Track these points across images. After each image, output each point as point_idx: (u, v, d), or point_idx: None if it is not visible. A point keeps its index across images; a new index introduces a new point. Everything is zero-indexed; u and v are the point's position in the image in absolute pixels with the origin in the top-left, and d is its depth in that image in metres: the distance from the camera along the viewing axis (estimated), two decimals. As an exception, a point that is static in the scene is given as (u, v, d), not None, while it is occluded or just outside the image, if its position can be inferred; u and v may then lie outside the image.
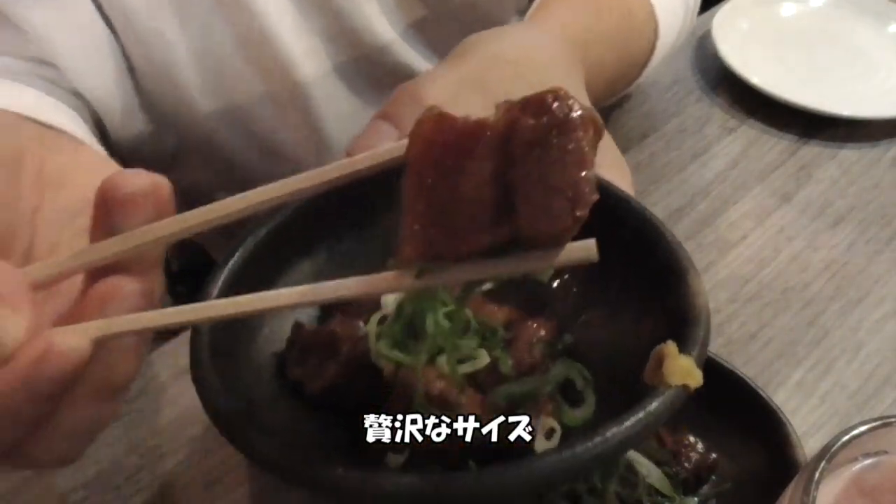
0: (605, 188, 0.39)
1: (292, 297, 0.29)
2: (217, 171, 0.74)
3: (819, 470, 0.36)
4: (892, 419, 0.38)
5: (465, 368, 0.34)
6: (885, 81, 0.87)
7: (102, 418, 0.30)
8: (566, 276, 0.40)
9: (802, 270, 0.69)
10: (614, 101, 0.82)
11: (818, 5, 0.96)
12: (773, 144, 0.81)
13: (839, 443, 0.37)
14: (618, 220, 0.39)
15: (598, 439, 0.29)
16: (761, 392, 0.53)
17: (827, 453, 0.37)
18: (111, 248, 0.29)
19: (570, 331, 0.39)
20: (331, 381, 0.37)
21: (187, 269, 1.05)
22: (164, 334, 0.97)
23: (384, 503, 0.29)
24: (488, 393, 0.35)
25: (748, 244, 0.71)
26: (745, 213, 0.74)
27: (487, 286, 0.31)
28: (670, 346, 0.31)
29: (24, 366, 0.26)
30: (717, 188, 0.76)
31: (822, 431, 0.58)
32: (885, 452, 0.40)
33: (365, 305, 0.38)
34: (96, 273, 0.29)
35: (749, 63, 0.85)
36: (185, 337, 0.64)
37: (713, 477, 0.53)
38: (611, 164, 0.46)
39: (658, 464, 0.50)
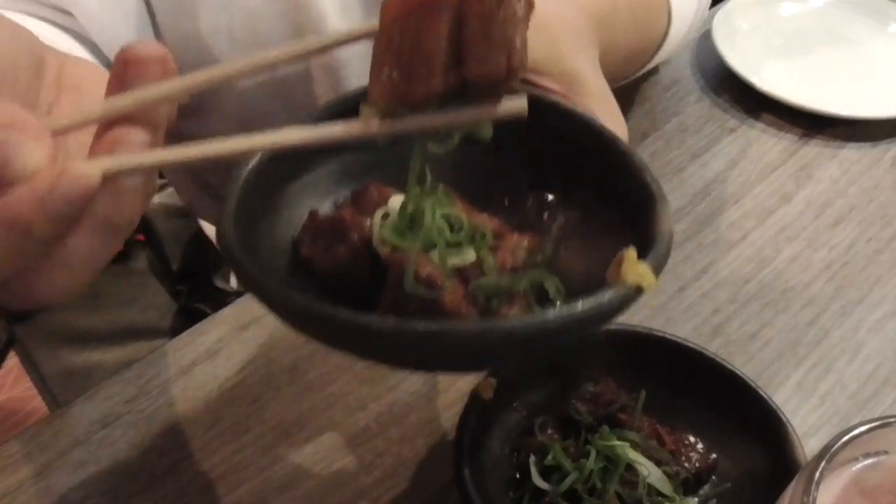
0: (599, 131, 0.44)
1: (281, 138, 0.34)
2: (234, 122, 0.75)
3: (819, 470, 0.36)
4: (892, 419, 0.38)
5: (454, 261, 0.39)
6: (885, 81, 0.87)
7: (100, 253, 0.33)
8: (551, 206, 0.45)
9: (802, 270, 0.69)
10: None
11: (818, 5, 0.96)
12: (773, 144, 0.81)
13: (839, 443, 0.37)
14: (606, 159, 0.43)
15: (551, 314, 0.33)
16: (761, 392, 0.53)
17: (827, 453, 0.37)
18: (123, 100, 0.33)
19: (551, 251, 0.44)
20: (337, 260, 0.41)
21: (187, 270, 1.05)
22: (166, 335, 0.97)
23: (368, 339, 0.33)
24: (470, 284, 0.39)
25: (748, 244, 0.71)
26: (745, 213, 0.74)
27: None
28: (630, 251, 0.36)
29: (41, 185, 0.30)
30: (717, 188, 0.76)
31: (822, 431, 0.58)
32: (885, 452, 0.40)
33: (372, 204, 0.43)
34: (108, 126, 0.33)
35: (749, 63, 0.86)
36: (184, 338, 0.65)
37: (713, 477, 0.53)
38: (609, 116, 0.49)
39: (658, 464, 0.50)
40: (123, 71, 0.33)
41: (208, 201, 0.89)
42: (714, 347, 0.60)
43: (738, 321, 0.65)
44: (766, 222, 0.73)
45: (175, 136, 0.36)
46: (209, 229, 1.06)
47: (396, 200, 0.41)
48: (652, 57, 0.76)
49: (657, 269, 0.35)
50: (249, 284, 0.35)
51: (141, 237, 1.09)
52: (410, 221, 0.40)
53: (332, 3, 0.69)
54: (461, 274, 0.39)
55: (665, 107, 0.85)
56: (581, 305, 0.33)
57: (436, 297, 0.37)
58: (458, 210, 0.41)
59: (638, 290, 0.35)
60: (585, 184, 0.44)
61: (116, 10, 0.64)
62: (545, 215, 0.45)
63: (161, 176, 0.97)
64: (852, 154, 0.80)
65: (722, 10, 0.92)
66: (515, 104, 0.33)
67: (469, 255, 0.39)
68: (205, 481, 0.56)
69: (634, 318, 0.65)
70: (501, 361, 0.41)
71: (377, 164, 0.45)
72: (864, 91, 0.85)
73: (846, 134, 0.81)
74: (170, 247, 1.05)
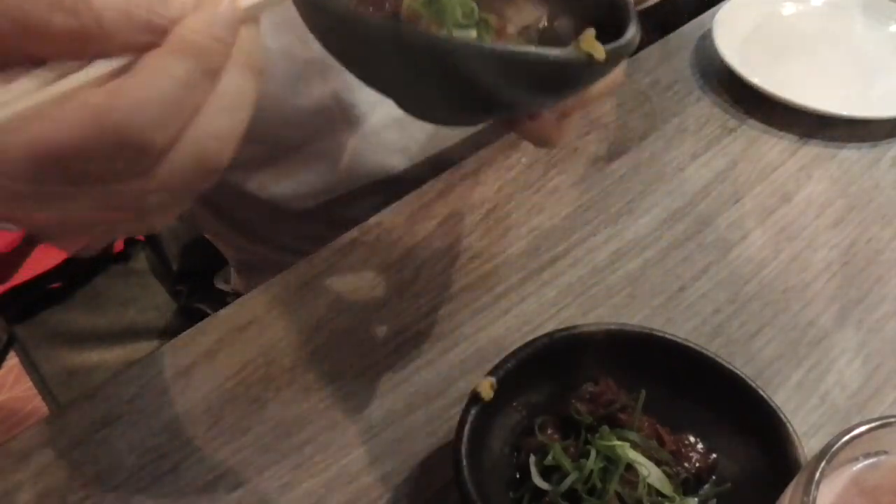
0: None
1: None
2: (258, 149, 0.75)
3: (819, 470, 0.36)
4: (892, 419, 0.38)
5: (458, 33, 0.46)
6: (885, 81, 0.87)
7: (247, 97, 0.34)
8: (548, 24, 0.52)
9: (802, 270, 0.69)
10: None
11: (818, 5, 0.96)
12: (773, 144, 0.81)
13: (839, 443, 0.37)
14: None
15: (512, 46, 0.41)
16: (761, 392, 0.53)
17: (827, 453, 0.37)
18: None
19: None
20: None
21: (187, 270, 1.05)
22: (166, 335, 0.97)
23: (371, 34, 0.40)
24: None
25: (748, 244, 0.71)
26: (745, 213, 0.74)
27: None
28: (589, 30, 0.42)
29: (207, 10, 0.32)
30: (717, 188, 0.76)
31: (822, 431, 0.58)
32: (885, 452, 0.39)
33: None
34: None
35: (749, 63, 0.85)
36: (184, 338, 0.65)
37: (713, 477, 0.53)
38: None
39: (658, 464, 0.50)
40: None
41: (207, 212, 0.89)
42: (714, 347, 0.60)
43: (738, 321, 0.65)
44: (766, 222, 0.73)
45: None
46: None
47: None
48: None
49: (611, 54, 0.42)
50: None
51: (141, 237, 1.09)
52: (433, 3, 0.46)
53: None
54: None
55: (665, 107, 0.85)
56: (537, 49, 0.41)
57: None
58: (473, 4, 0.48)
59: (588, 58, 0.41)
60: (577, 9, 0.51)
61: None
62: (542, 30, 0.53)
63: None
64: (852, 154, 0.80)
65: (722, 10, 0.92)
66: None
67: (472, 34, 0.47)
68: (205, 481, 0.56)
69: (634, 318, 0.65)
70: (477, 94, 0.46)
71: None
72: (864, 91, 0.85)
73: (846, 134, 0.81)
74: (170, 247, 1.05)
